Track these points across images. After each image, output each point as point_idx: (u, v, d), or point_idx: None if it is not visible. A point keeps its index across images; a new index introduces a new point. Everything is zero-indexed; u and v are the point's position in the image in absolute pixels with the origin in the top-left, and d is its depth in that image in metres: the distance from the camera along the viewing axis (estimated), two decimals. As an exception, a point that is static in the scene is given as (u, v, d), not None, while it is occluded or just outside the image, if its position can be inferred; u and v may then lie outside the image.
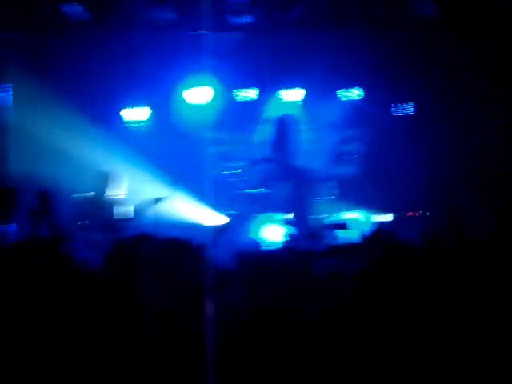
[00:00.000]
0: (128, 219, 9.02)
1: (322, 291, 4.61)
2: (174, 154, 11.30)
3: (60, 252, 4.31)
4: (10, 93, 8.81)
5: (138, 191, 9.60)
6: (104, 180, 9.31)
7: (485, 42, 10.08)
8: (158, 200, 9.16)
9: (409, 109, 11.30)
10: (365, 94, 11.46)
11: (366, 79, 11.25)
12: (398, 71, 10.90)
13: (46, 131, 10.35)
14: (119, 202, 9.24)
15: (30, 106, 10.16)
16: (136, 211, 9.13)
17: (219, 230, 7.04)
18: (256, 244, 8.69)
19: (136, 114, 11.48)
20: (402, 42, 10.49)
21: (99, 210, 9.06)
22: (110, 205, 9.20)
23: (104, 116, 11.03)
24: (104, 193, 9.21)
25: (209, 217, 10.29)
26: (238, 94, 11.68)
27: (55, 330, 3.85)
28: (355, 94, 11.45)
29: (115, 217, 9.05)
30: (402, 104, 11.37)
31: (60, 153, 10.11)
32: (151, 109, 11.47)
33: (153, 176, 10.44)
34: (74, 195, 9.35)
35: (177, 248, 4.94)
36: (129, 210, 9.17)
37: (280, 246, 8.47)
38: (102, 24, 10.00)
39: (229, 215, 10.79)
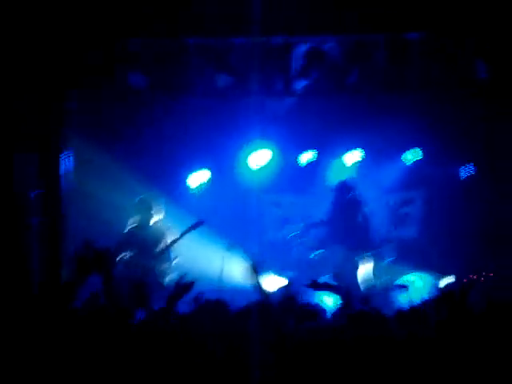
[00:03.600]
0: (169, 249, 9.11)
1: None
2: (232, 216, 11.34)
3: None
4: (71, 158, 9.00)
5: (195, 256, 9.65)
6: (146, 205, 9.38)
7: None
8: (192, 227, 9.20)
9: (469, 170, 11.18)
10: (424, 156, 11.39)
11: (424, 141, 11.19)
12: (457, 132, 10.83)
13: (108, 195, 10.50)
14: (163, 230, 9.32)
15: (91, 172, 10.35)
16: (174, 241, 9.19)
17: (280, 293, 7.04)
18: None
19: (197, 178, 11.57)
20: (460, 103, 10.44)
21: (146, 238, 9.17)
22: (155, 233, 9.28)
23: (165, 179, 11.16)
24: (149, 218, 9.30)
25: (268, 280, 10.21)
26: (295, 157, 11.73)
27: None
28: (414, 155, 11.39)
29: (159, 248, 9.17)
30: (461, 165, 11.26)
31: (120, 217, 10.20)
32: (211, 172, 11.55)
33: (211, 239, 10.46)
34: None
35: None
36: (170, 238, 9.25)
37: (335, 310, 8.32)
38: (161, 90, 10.19)
39: (288, 278, 10.69)
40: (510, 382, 4.20)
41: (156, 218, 9.44)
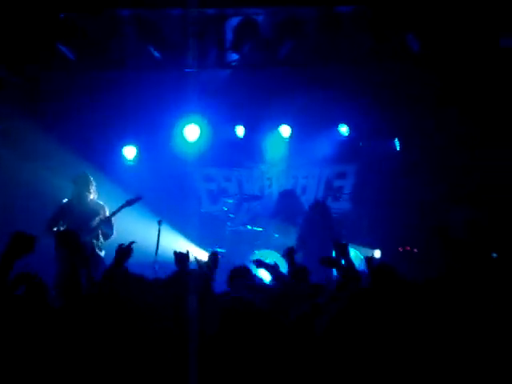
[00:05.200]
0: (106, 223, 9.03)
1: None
2: (162, 190, 11.28)
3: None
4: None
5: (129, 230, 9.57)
6: (85, 180, 9.26)
7: (473, 79, 10.11)
8: (129, 202, 9.12)
9: (396, 144, 11.33)
10: (352, 130, 11.48)
11: (355, 115, 11.27)
12: (385, 108, 10.92)
13: (35, 171, 10.32)
14: (99, 206, 9.25)
15: (17, 147, 10.14)
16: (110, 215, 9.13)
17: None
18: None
19: (132, 150, 11.48)
20: (389, 77, 10.51)
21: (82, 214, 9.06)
22: (92, 208, 9.21)
23: (98, 152, 11.03)
24: (86, 194, 9.20)
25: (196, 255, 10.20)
26: (229, 130, 11.70)
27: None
28: (343, 130, 11.48)
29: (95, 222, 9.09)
30: (391, 139, 11.39)
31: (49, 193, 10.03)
32: (139, 147, 11.45)
33: (140, 213, 10.39)
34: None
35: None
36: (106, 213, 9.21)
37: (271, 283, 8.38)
38: (92, 62, 10.00)
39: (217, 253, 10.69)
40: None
41: (93, 194, 9.33)
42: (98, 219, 9.15)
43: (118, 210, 9.10)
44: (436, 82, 10.24)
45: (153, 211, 10.43)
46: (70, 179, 9.35)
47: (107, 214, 9.22)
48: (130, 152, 11.51)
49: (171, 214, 10.65)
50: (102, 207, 9.31)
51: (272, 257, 10.20)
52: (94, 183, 9.33)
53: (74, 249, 5.26)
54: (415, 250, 10.54)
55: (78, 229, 8.44)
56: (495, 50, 9.43)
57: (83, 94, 10.78)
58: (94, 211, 9.23)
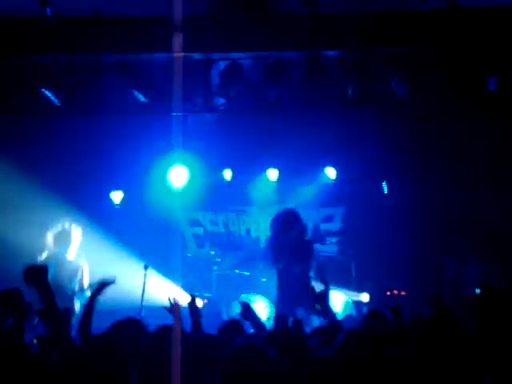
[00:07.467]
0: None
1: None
2: (148, 235, 11.18)
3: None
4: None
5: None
6: (64, 237, 8.78)
7: (460, 122, 10.16)
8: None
9: (384, 187, 11.31)
10: (340, 173, 11.47)
11: (343, 158, 11.26)
12: (376, 149, 10.93)
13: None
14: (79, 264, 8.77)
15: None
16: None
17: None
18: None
19: (113, 196, 11.39)
20: (376, 120, 10.53)
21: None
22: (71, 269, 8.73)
23: (85, 196, 10.93)
24: (66, 253, 8.68)
25: (183, 299, 10.06)
26: (215, 174, 11.64)
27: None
28: (330, 173, 11.46)
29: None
30: (377, 182, 11.38)
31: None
32: (125, 191, 11.36)
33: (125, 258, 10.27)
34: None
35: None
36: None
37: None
38: (75, 106, 9.93)
39: (204, 298, 10.60)
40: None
41: (74, 250, 8.86)
42: (77, 281, 8.63)
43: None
44: (422, 126, 10.28)
45: (139, 256, 10.32)
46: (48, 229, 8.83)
47: (84, 274, 8.74)
48: (117, 196, 11.41)
49: (157, 258, 10.52)
50: (80, 268, 8.77)
51: (259, 301, 10.11)
52: (75, 237, 8.82)
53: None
54: (403, 293, 10.45)
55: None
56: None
57: (69, 138, 10.72)
58: (74, 272, 8.68)
